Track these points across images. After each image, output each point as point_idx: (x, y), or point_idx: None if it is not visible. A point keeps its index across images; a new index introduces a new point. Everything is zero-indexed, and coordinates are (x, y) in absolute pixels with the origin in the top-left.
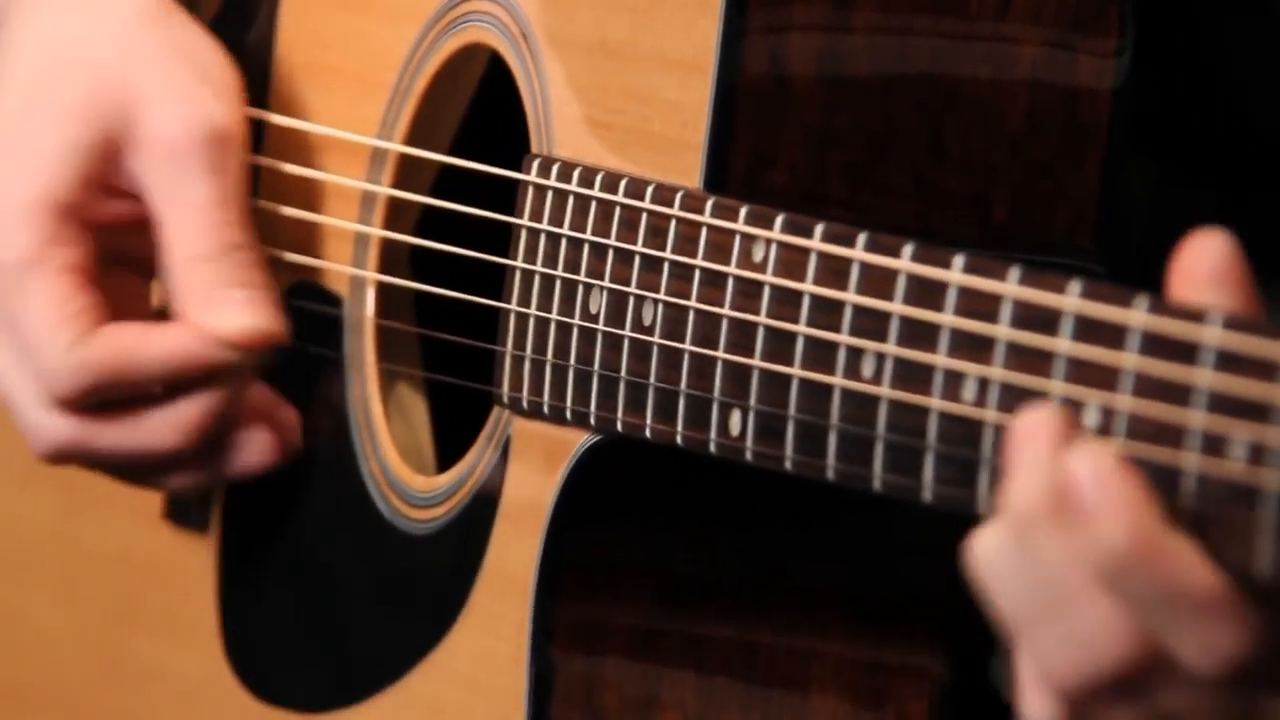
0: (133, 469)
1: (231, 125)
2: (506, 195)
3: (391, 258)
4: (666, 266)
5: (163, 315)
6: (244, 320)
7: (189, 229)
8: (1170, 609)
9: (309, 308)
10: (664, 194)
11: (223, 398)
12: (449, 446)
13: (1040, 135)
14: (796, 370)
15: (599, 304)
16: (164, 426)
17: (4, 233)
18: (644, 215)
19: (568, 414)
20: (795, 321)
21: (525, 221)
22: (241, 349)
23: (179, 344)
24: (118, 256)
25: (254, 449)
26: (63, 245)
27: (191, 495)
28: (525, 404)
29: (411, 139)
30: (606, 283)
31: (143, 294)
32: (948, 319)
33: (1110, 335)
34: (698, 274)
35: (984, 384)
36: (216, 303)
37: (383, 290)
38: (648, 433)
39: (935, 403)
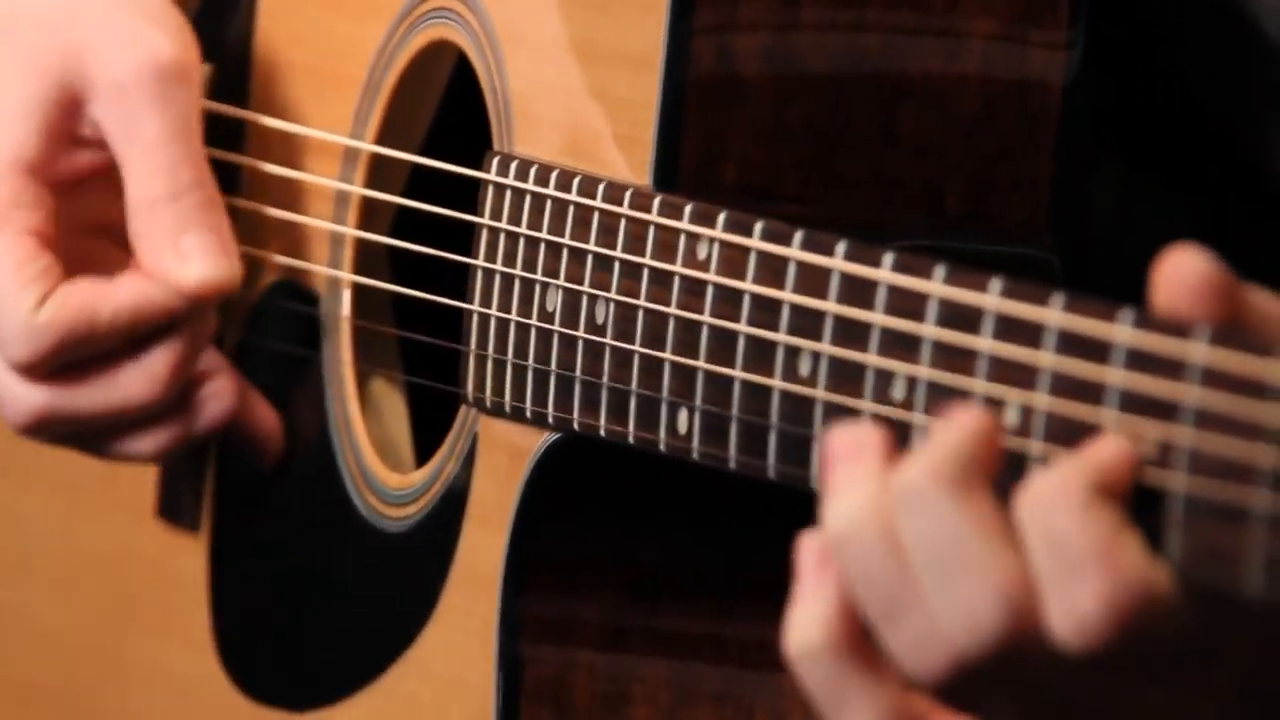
0: (110, 433)
1: (180, 59)
2: (476, 192)
3: (368, 255)
4: (617, 265)
5: None
6: (201, 269)
7: (144, 168)
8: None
9: (287, 307)
10: (614, 192)
11: (188, 342)
12: (427, 442)
13: (993, 124)
14: (737, 371)
15: (555, 303)
16: (138, 378)
17: None
18: (596, 214)
19: (528, 414)
20: (737, 320)
21: (486, 220)
22: (199, 300)
23: (136, 293)
24: (96, 226)
25: (219, 400)
26: (26, 207)
27: (181, 487)
28: (489, 403)
29: (383, 135)
30: (562, 281)
31: (122, 263)
32: (878, 318)
33: (1028, 333)
34: (646, 273)
35: (912, 383)
36: (173, 251)
37: (358, 288)
38: (602, 432)
39: (866, 404)
